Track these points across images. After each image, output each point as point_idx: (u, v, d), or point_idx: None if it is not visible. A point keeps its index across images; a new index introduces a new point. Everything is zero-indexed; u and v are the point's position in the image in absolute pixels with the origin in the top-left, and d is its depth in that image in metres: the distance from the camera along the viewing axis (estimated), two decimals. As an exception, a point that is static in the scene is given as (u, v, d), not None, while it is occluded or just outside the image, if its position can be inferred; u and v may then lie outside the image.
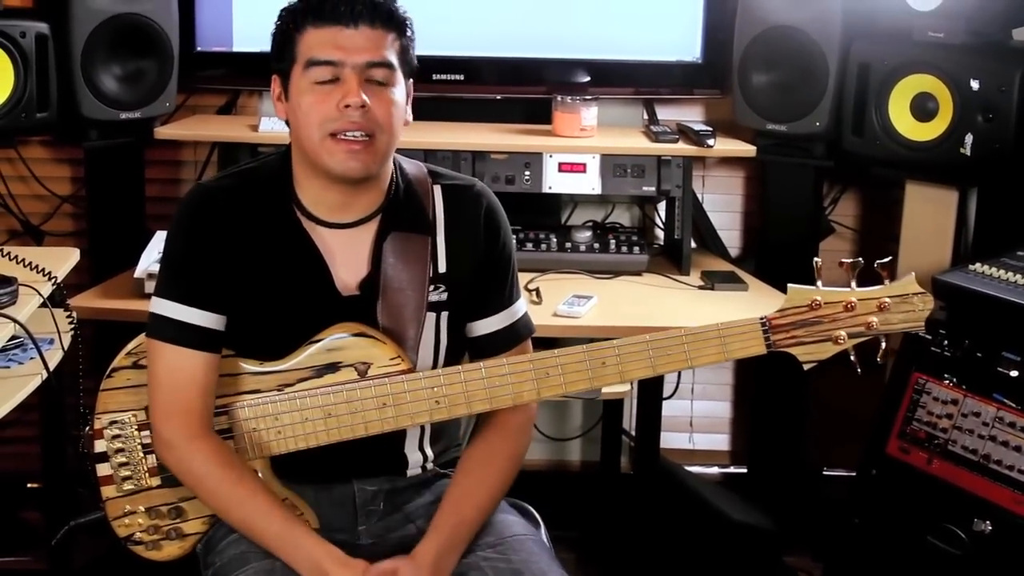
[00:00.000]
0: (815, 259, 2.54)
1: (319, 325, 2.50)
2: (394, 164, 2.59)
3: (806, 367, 2.51)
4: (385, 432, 2.50)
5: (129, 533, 2.59)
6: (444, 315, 2.59)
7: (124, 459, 2.58)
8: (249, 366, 2.53)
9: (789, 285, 2.52)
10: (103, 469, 2.60)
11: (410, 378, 2.47)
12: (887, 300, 2.46)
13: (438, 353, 2.60)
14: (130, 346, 2.61)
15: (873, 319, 2.46)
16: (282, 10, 2.48)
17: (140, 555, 2.59)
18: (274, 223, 2.50)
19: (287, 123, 2.53)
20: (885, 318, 2.47)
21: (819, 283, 2.50)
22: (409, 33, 2.48)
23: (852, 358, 2.51)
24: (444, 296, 2.58)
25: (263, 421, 2.51)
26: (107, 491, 2.60)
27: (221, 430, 2.52)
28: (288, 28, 2.45)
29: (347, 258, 2.53)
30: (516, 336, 2.65)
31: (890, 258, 2.49)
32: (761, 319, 2.49)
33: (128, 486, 2.58)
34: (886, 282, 2.48)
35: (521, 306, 2.69)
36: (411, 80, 2.55)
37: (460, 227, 2.60)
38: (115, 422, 2.59)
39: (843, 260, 2.49)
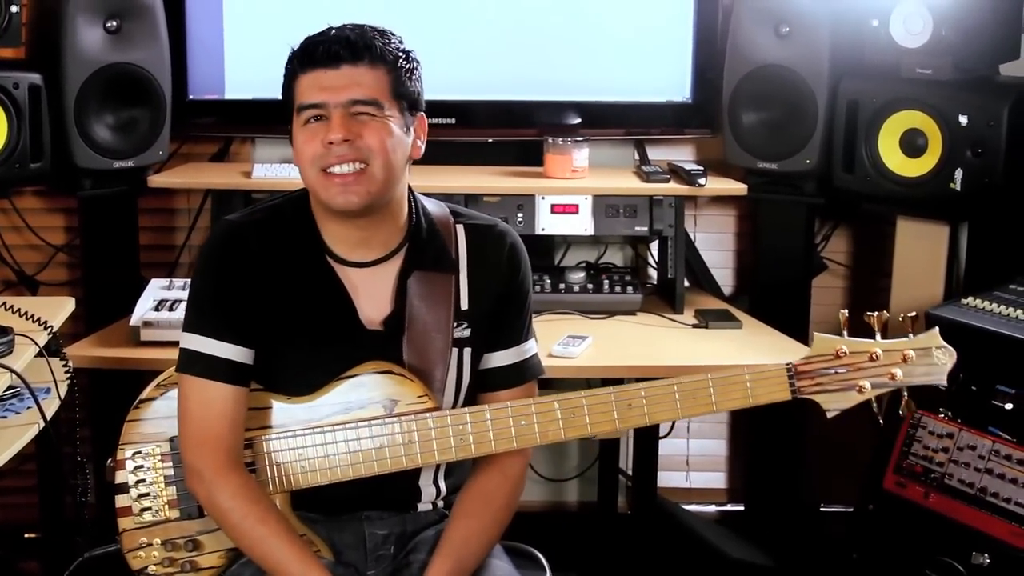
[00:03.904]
0: (841, 311, 2.51)
1: (345, 359, 2.52)
2: (414, 203, 2.61)
3: (829, 415, 2.49)
4: (408, 469, 2.52)
5: (143, 566, 2.60)
6: (467, 351, 2.60)
7: (145, 490, 2.61)
8: (277, 401, 2.55)
9: (815, 333, 2.51)
10: (122, 500, 2.62)
11: (436, 416, 2.49)
12: (911, 352, 2.45)
13: (460, 388, 2.61)
14: (160, 378, 2.63)
15: (896, 371, 2.45)
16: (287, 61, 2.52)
17: None
18: (299, 259, 2.53)
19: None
20: (908, 370, 2.45)
21: (844, 334, 2.48)
22: (403, 64, 2.49)
23: (875, 408, 2.50)
24: (467, 332, 2.59)
25: (287, 455, 2.53)
26: (124, 522, 2.61)
27: (245, 463, 2.53)
28: (287, 76, 2.49)
29: (370, 295, 2.55)
30: (524, 374, 2.65)
31: (914, 313, 2.49)
32: (787, 365, 2.48)
33: (147, 517, 2.60)
34: (910, 335, 2.47)
35: (532, 346, 2.69)
36: (419, 112, 2.57)
37: (483, 265, 2.62)
38: (138, 452, 2.61)
39: (869, 313, 2.48)
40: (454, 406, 2.59)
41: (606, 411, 2.49)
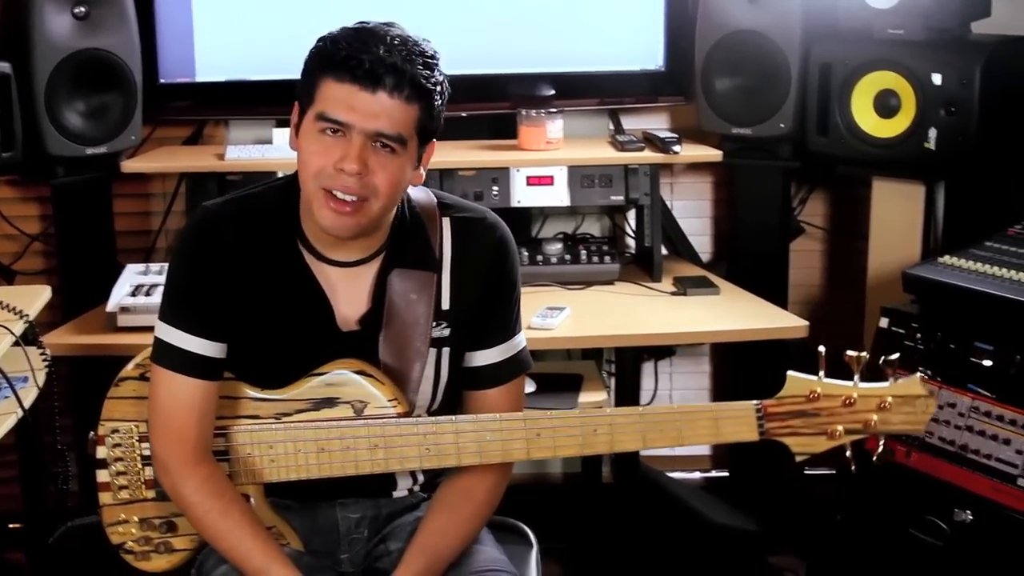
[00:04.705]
0: (819, 348, 2.37)
1: (319, 358, 2.48)
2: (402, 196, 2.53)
3: (798, 459, 2.42)
4: (375, 473, 2.48)
5: (122, 541, 2.59)
6: (445, 351, 2.55)
7: (122, 468, 2.59)
8: (250, 391, 2.52)
9: (789, 373, 2.40)
10: (102, 475, 2.60)
11: (404, 423, 2.45)
12: (889, 400, 2.35)
13: (437, 388, 2.56)
14: (139, 357, 2.59)
15: (872, 417, 2.35)
16: (317, 42, 2.36)
17: (130, 563, 2.60)
18: (277, 254, 2.46)
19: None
20: (885, 417, 2.35)
21: (821, 373, 2.38)
22: (437, 99, 2.38)
23: (848, 454, 2.40)
24: (446, 332, 2.53)
25: (258, 448, 2.50)
26: (104, 497, 2.60)
27: (218, 451, 2.51)
28: (313, 67, 2.35)
29: (349, 293, 2.49)
30: (514, 370, 2.60)
31: (896, 356, 2.38)
32: (757, 405, 2.41)
33: (124, 495, 2.59)
34: (891, 380, 2.37)
35: (521, 340, 2.62)
36: (433, 140, 2.47)
37: (467, 262, 2.54)
38: (116, 431, 2.59)
39: (849, 352, 2.35)
40: (431, 406, 2.56)
41: (572, 434, 2.43)
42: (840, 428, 2.37)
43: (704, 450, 4.86)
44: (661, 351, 4.62)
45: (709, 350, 4.75)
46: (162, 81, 4.28)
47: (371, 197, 2.34)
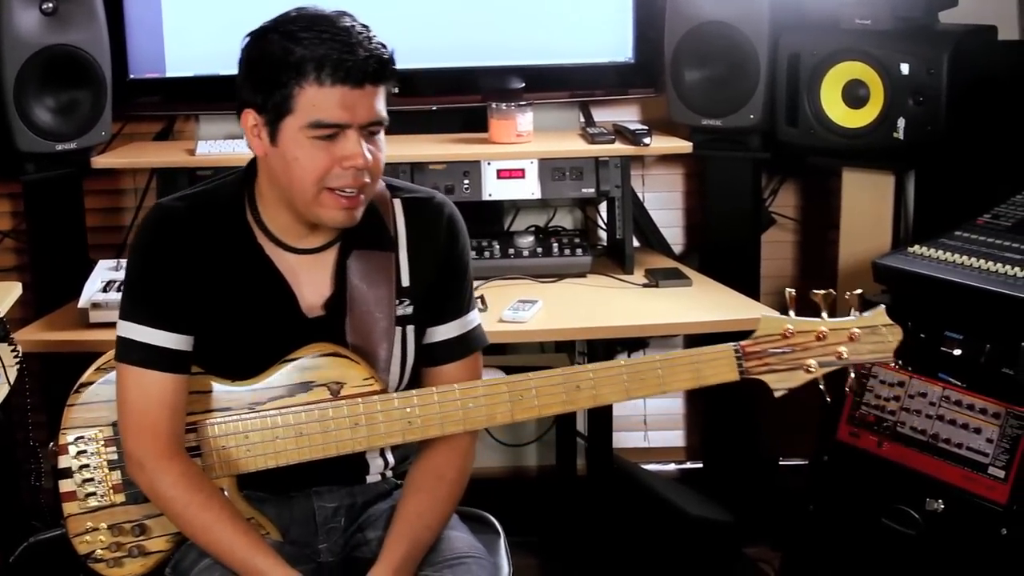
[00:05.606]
0: (787, 290, 2.53)
1: (286, 347, 2.50)
2: None
3: (777, 394, 2.52)
4: (356, 452, 2.50)
5: (90, 550, 2.56)
6: (410, 329, 2.58)
7: (89, 475, 2.56)
8: (219, 384, 2.52)
9: (762, 314, 2.53)
10: (66, 485, 2.57)
11: (383, 398, 2.47)
12: (856, 331, 2.48)
13: (405, 367, 2.59)
14: (99, 361, 2.58)
15: (843, 349, 2.48)
16: (275, 50, 2.36)
17: (101, 572, 2.56)
18: (234, 246, 2.48)
19: (254, 155, 2.48)
20: (854, 348, 2.48)
21: (791, 313, 2.50)
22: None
23: (822, 387, 2.53)
24: (409, 310, 2.57)
25: (233, 439, 2.50)
26: (69, 507, 2.57)
27: (189, 447, 2.50)
28: (280, 75, 2.34)
29: (310, 279, 2.52)
30: (469, 346, 2.63)
31: (860, 290, 2.52)
32: (735, 346, 2.50)
33: (92, 502, 2.56)
34: (856, 313, 2.50)
35: (475, 317, 2.66)
36: None
37: (422, 240, 2.58)
38: (81, 437, 2.56)
39: (815, 291, 2.50)
40: (399, 385, 2.58)
41: (555, 392, 2.49)
42: (814, 362, 2.49)
43: (679, 442, 4.87)
44: (634, 343, 4.62)
45: (682, 342, 4.75)
46: (132, 76, 4.26)
47: (371, 181, 2.42)
